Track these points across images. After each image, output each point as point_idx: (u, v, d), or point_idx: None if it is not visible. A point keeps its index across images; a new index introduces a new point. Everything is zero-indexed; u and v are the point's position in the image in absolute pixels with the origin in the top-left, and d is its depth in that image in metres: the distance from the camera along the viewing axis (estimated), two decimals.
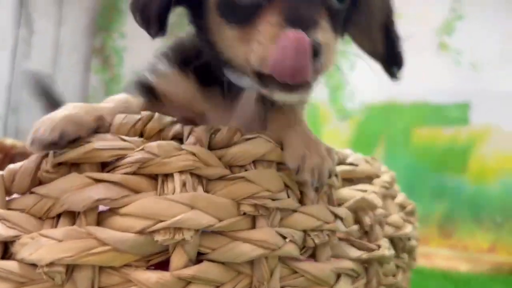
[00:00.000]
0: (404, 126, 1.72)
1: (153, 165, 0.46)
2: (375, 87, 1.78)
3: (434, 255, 1.56)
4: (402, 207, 0.74)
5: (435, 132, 1.68)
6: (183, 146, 0.48)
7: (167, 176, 0.46)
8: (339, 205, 0.57)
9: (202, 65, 0.67)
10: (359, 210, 0.59)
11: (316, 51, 0.46)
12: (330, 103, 1.80)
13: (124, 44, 2.21)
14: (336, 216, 0.54)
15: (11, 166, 0.48)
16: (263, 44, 0.47)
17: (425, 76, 1.71)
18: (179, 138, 0.51)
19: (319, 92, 1.93)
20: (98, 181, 0.45)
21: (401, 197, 0.75)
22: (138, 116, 0.50)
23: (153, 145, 0.47)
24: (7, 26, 1.92)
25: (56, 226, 0.45)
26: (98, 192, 0.44)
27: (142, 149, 0.47)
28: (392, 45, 0.61)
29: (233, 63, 0.58)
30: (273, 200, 0.49)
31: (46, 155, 0.48)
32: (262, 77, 0.50)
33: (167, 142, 0.48)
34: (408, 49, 1.87)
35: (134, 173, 0.46)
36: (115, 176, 0.45)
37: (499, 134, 1.56)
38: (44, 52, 2.05)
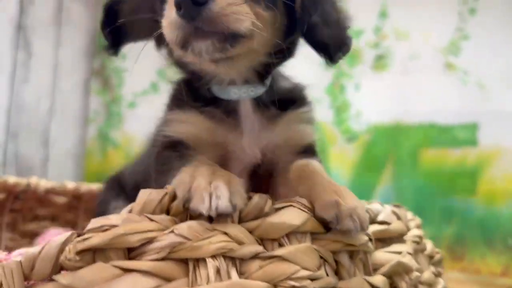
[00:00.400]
0: (412, 147, 1.69)
1: (184, 249, 0.43)
2: (381, 107, 1.76)
3: (446, 279, 1.53)
4: (430, 257, 0.71)
5: (443, 153, 1.65)
6: (214, 226, 0.45)
7: (199, 260, 0.43)
8: (375, 270, 0.55)
9: (205, 97, 0.70)
10: (394, 275, 0.56)
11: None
12: (335, 125, 1.77)
13: (124, 65, 2.18)
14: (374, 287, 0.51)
15: (30, 251, 0.45)
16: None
17: (431, 96, 1.69)
18: None
19: (324, 113, 1.89)
20: (126, 270, 0.42)
21: (429, 247, 0.72)
22: (163, 191, 0.47)
23: (183, 226, 0.44)
24: (5, 49, 1.88)
25: None
26: (127, 284, 0.41)
27: (172, 232, 0.44)
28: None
29: (210, 75, 0.70)
30: (312, 280, 0.46)
31: (66, 242, 0.44)
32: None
33: (197, 222, 0.45)
34: (414, 69, 1.84)
35: (163, 259, 0.43)
36: (145, 264, 0.42)
37: (508, 155, 1.54)
38: (43, 75, 2.01)
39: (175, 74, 0.88)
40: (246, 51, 0.63)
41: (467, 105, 1.63)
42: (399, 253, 0.57)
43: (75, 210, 1.34)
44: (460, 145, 1.63)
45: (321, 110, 1.87)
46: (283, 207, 0.48)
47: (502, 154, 1.56)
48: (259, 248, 0.46)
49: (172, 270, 0.42)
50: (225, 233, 0.44)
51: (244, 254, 0.44)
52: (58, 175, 1.97)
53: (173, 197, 0.47)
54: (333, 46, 0.67)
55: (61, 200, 1.29)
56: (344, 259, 0.51)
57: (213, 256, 0.43)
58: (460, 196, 1.61)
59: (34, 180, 1.24)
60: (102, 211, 0.97)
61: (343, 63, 1.84)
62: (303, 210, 0.49)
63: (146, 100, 2.16)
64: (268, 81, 0.74)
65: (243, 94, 0.71)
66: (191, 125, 0.72)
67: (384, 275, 0.54)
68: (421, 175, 1.68)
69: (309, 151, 0.74)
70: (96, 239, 0.42)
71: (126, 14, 0.77)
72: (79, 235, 0.44)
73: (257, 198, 0.48)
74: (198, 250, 0.43)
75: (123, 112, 2.18)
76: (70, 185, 1.32)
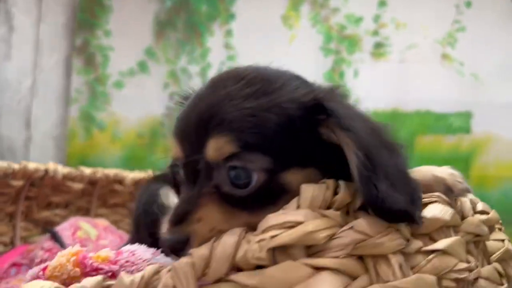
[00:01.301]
0: (408, 133, 1.76)
1: (365, 246, 0.43)
2: (379, 94, 1.81)
3: None
4: None
5: (438, 140, 1.73)
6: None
7: (377, 257, 0.44)
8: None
9: None
10: (502, 261, 0.59)
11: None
12: None
13: (109, 42, 2.08)
14: (500, 275, 0.54)
15: (201, 252, 0.43)
16: None
17: (428, 85, 1.76)
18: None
19: None
20: (317, 269, 0.41)
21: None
22: (323, 185, 0.47)
23: (362, 223, 0.44)
24: None
25: None
26: (321, 283, 0.40)
27: (351, 228, 0.44)
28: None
29: None
30: (470, 271, 0.47)
31: (240, 240, 0.43)
32: None
33: (373, 218, 0.45)
34: (412, 58, 1.90)
35: (345, 256, 0.43)
36: (334, 262, 0.42)
37: (500, 142, 1.65)
38: (25, 52, 1.87)
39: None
40: None
41: (462, 95, 1.71)
42: (502, 240, 0.61)
43: (89, 196, 1.28)
44: (455, 132, 1.71)
45: None
46: (433, 202, 0.49)
47: (493, 141, 1.66)
48: (420, 243, 0.47)
49: (355, 267, 0.42)
50: (398, 230, 0.45)
51: (411, 249, 0.45)
52: (41, 157, 1.86)
53: (334, 191, 0.47)
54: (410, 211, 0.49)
55: (77, 186, 1.22)
56: (473, 249, 0.53)
57: (393, 252, 0.43)
58: None
59: (52, 166, 1.17)
60: (146, 198, 0.91)
61: (342, 49, 1.88)
62: (447, 205, 0.50)
63: (134, 80, 2.08)
64: None
65: None
66: None
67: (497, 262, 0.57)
68: (417, 161, 1.73)
69: None
70: (285, 237, 0.41)
71: None
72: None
73: None
74: (380, 247, 0.43)
75: (108, 92, 2.08)
76: (87, 171, 1.26)
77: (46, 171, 1.14)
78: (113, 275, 0.58)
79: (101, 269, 0.57)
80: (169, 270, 0.42)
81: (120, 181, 1.32)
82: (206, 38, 2.02)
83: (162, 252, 0.61)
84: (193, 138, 0.55)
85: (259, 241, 0.41)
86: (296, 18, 1.90)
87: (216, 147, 0.52)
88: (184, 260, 0.42)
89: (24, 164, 1.11)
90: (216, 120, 0.53)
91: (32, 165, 1.12)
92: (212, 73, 1.99)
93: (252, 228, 0.48)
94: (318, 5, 1.87)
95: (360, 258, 0.43)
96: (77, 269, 0.57)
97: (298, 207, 0.45)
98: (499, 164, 1.66)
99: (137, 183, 1.34)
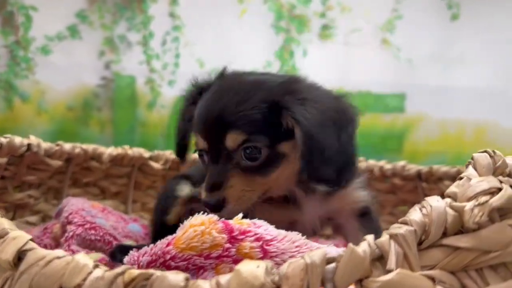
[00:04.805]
0: None
1: None
2: (325, 74, 1.90)
3: None
4: None
5: (376, 118, 1.90)
6: None
7: None
8: None
9: None
10: None
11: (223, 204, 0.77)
12: None
13: (31, 1, 1.82)
14: None
15: (417, 217, 0.45)
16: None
17: (369, 67, 1.91)
18: None
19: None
20: None
21: None
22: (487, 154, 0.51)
23: None
24: None
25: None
26: None
27: None
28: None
29: None
30: None
31: (448, 204, 0.46)
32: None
33: None
34: (355, 42, 2.04)
35: None
36: None
37: (429, 121, 1.87)
38: None
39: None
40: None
41: (397, 77, 1.89)
42: None
43: (62, 175, 1.13)
44: (390, 111, 1.90)
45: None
46: None
47: (424, 120, 1.88)
48: None
49: None
50: None
51: None
52: None
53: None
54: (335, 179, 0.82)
55: (55, 163, 1.07)
56: None
57: None
58: (389, 154, 1.88)
59: (34, 140, 1.00)
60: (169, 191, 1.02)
61: (292, 28, 1.92)
62: None
63: (63, 46, 1.86)
64: None
65: None
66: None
67: None
68: (358, 136, 1.90)
69: (365, 212, 0.95)
70: (497, 201, 0.44)
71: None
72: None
73: None
74: None
75: (32, 58, 1.83)
76: (67, 146, 1.10)
77: (29, 146, 0.97)
78: (259, 238, 0.56)
79: (249, 231, 0.56)
80: (391, 237, 0.43)
81: (97, 157, 1.19)
82: (148, 4, 1.89)
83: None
84: (214, 134, 0.80)
85: (474, 207, 0.44)
86: None
87: (233, 139, 0.79)
88: (405, 227, 0.43)
89: (10, 138, 0.93)
90: (227, 123, 0.79)
91: (18, 140, 0.94)
92: (155, 43, 1.91)
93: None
94: None
95: None
96: (224, 235, 0.55)
97: (480, 174, 0.48)
98: (428, 140, 1.89)
99: (114, 159, 1.22)
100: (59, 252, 0.43)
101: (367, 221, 0.94)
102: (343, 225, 0.95)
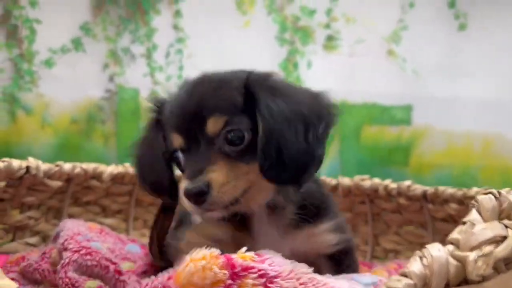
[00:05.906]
0: (355, 124, 1.87)
1: None
2: (329, 86, 1.87)
3: None
4: None
5: (382, 130, 1.88)
6: None
7: None
8: None
9: None
10: None
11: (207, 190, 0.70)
12: None
13: (36, 14, 1.82)
14: None
15: (416, 269, 0.43)
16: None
17: (374, 79, 1.89)
18: None
19: None
20: None
21: None
22: (492, 197, 0.49)
23: None
24: None
25: None
26: None
27: None
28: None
29: None
30: None
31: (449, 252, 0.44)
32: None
33: None
34: (360, 53, 2.02)
35: None
36: None
37: (436, 133, 1.84)
38: None
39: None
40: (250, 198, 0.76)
41: (404, 89, 1.86)
42: None
43: (62, 195, 1.12)
44: (397, 123, 1.87)
45: None
46: None
47: (431, 132, 1.85)
48: None
49: None
50: None
51: None
52: None
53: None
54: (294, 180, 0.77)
55: (55, 184, 1.06)
56: None
57: None
58: (395, 167, 1.86)
59: (33, 163, 0.99)
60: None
61: (296, 40, 1.91)
62: None
63: (66, 59, 1.86)
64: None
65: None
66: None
67: None
68: (362, 149, 1.88)
69: (340, 256, 0.85)
70: (501, 251, 0.42)
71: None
72: None
73: None
74: None
75: (36, 71, 1.83)
76: (66, 166, 1.10)
77: (28, 169, 0.97)
78: (263, 275, 0.55)
79: (252, 267, 0.55)
80: None
81: (97, 176, 1.18)
82: (152, 17, 1.88)
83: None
84: (192, 124, 0.75)
85: (478, 258, 0.42)
86: (250, 4, 1.87)
87: (214, 123, 0.74)
88: (404, 281, 0.41)
89: (8, 162, 0.92)
90: (207, 108, 0.75)
91: (16, 163, 0.94)
92: (159, 55, 1.90)
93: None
94: None
95: None
96: (225, 271, 0.54)
97: (484, 219, 0.46)
98: (435, 153, 1.86)
99: (115, 178, 1.21)
100: None
101: (342, 262, 0.85)
102: (314, 263, 0.78)
